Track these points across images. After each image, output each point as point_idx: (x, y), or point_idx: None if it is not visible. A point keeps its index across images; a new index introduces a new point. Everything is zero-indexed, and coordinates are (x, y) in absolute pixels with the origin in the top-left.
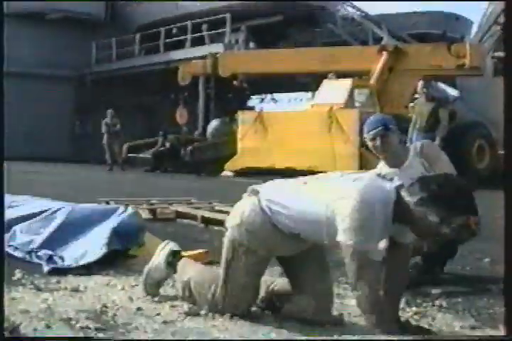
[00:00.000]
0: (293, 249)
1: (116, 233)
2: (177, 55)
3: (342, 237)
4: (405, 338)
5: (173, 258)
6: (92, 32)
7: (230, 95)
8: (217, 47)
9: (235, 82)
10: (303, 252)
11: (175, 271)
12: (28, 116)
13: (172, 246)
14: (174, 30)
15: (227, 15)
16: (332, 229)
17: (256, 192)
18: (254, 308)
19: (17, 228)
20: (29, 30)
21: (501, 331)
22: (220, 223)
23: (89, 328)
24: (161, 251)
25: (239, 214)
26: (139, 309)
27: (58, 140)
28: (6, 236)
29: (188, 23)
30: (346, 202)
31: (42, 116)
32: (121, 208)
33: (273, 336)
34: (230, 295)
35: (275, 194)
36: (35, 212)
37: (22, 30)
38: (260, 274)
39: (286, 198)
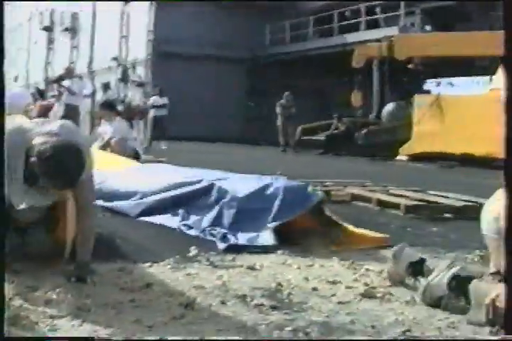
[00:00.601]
0: None
1: (291, 207)
2: (351, 37)
3: None
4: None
5: (455, 281)
6: (266, 14)
7: (405, 79)
8: (392, 31)
9: (410, 66)
10: None
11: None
12: (202, 97)
13: (456, 270)
14: (347, 13)
15: None
16: None
17: None
18: None
19: (186, 208)
20: (205, 12)
21: None
22: (396, 206)
23: (264, 305)
24: (445, 271)
25: None
26: (314, 289)
27: (232, 121)
28: (176, 218)
29: (362, 5)
30: None
31: (216, 97)
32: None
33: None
34: None
35: None
36: (204, 186)
37: (198, 13)
38: None
39: None
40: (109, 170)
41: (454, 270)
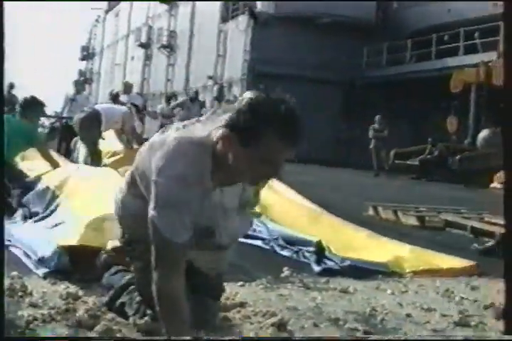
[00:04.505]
0: None
1: None
2: (449, 62)
3: None
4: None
5: None
6: (362, 37)
7: (502, 105)
8: (491, 56)
9: None
10: None
11: None
12: None
13: None
14: (446, 37)
15: (501, 23)
16: None
17: None
18: None
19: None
20: (301, 34)
21: None
22: (491, 234)
23: (358, 330)
24: None
25: None
26: (408, 315)
27: (323, 142)
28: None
29: (461, 30)
30: None
31: (309, 117)
32: None
33: None
34: None
35: None
36: None
37: (294, 34)
38: None
39: None
40: None
41: None
